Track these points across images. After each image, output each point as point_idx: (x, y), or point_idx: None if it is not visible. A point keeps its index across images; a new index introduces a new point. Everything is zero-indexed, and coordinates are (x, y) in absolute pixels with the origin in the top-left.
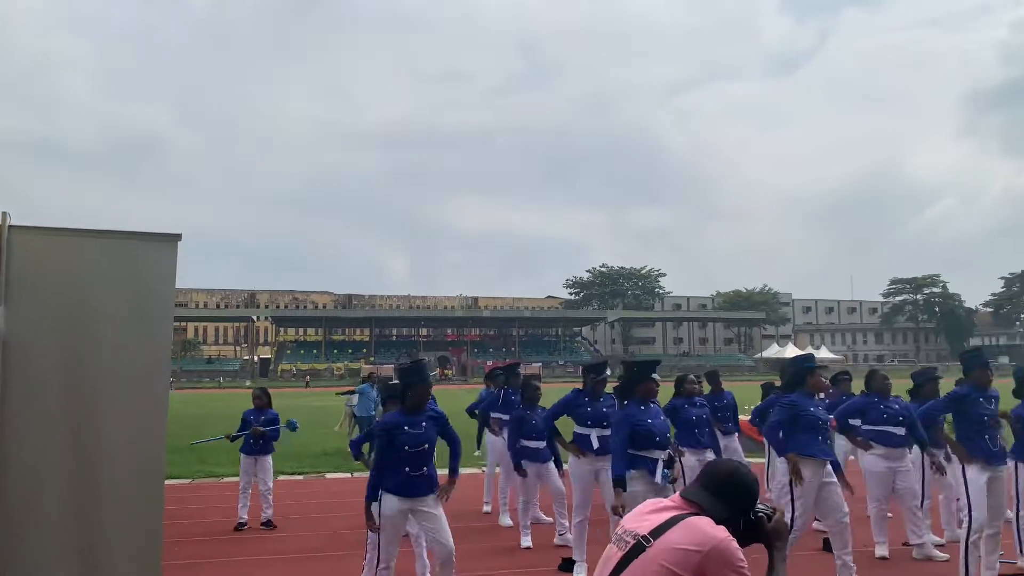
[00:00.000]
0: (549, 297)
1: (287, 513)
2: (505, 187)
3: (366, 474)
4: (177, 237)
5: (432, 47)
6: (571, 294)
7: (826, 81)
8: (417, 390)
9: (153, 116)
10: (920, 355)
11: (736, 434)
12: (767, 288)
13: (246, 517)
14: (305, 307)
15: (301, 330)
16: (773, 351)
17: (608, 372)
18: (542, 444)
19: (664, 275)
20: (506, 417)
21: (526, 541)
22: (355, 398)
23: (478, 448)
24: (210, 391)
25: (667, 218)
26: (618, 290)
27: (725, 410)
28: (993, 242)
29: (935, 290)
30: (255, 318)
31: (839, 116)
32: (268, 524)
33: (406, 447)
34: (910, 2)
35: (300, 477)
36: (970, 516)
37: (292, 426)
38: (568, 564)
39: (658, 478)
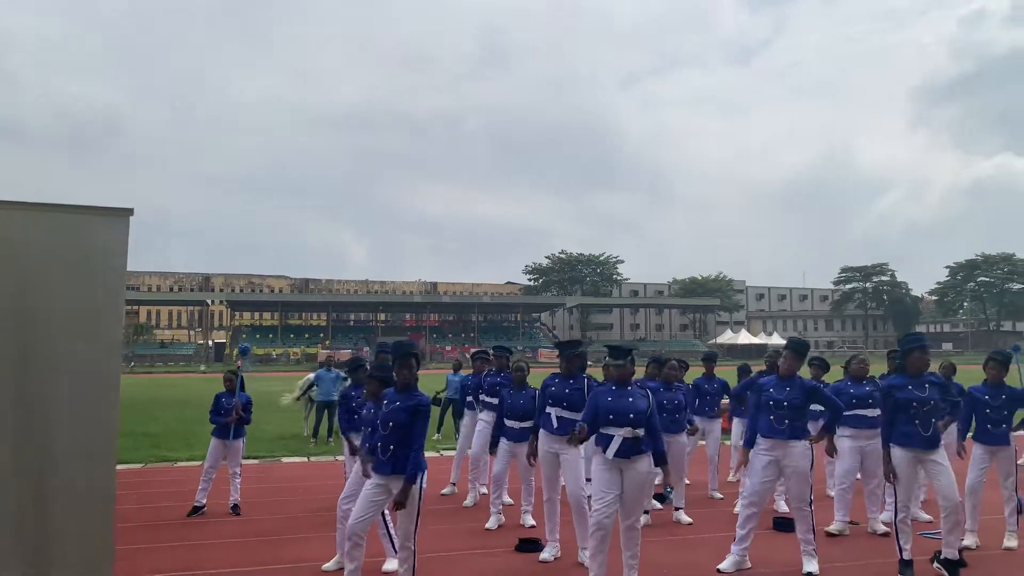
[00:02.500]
0: (508, 283)
1: (243, 498)
2: (466, 172)
3: (324, 458)
4: (129, 212)
5: (394, 30)
6: (530, 280)
7: (782, 71)
8: (403, 368)
9: (103, 94)
10: (868, 342)
11: (719, 419)
12: (722, 275)
13: (204, 501)
14: (261, 291)
15: (257, 314)
16: (727, 337)
17: (582, 349)
18: (522, 424)
19: (622, 262)
20: (491, 400)
21: (493, 522)
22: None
23: (438, 431)
24: (163, 375)
25: (626, 205)
26: (577, 276)
27: (715, 394)
28: (940, 232)
29: (884, 279)
30: (210, 302)
31: (794, 106)
32: (235, 509)
33: (377, 422)
34: None
35: (256, 461)
36: (896, 496)
37: (244, 351)
38: (526, 545)
39: (610, 454)
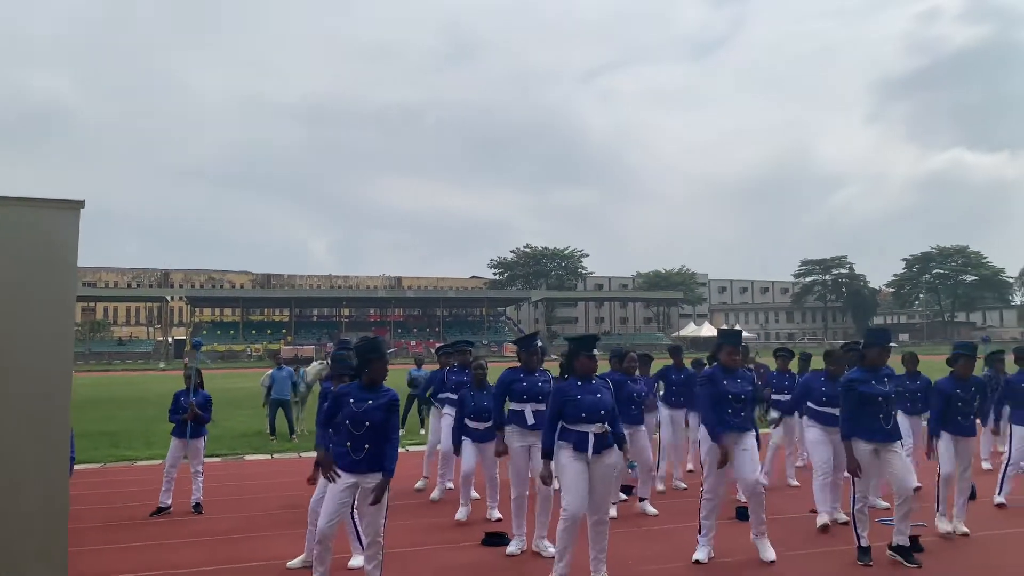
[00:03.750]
0: (473, 277)
1: (206, 496)
2: (430, 167)
3: (287, 456)
4: (80, 204)
5: (357, 23)
6: (495, 274)
7: (740, 66)
8: (374, 367)
9: (54, 84)
10: (828, 333)
11: (683, 409)
12: (685, 269)
13: (169, 502)
14: (222, 287)
15: (218, 310)
16: (690, 330)
17: (539, 343)
18: (484, 424)
19: (587, 256)
20: (453, 397)
21: (463, 513)
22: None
23: (402, 427)
24: (121, 373)
25: (590, 199)
26: (542, 270)
27: (681, 385)
28: (896, 225)
29: (842, 271)
30: (169, 298)
31: (753, 101)
32: (197, 508)
33: (347, 421)
34: None
35: (218, 459)
36: (854, 487)
37: (196, 346)
38: (492, 539)
39: (589, 452)
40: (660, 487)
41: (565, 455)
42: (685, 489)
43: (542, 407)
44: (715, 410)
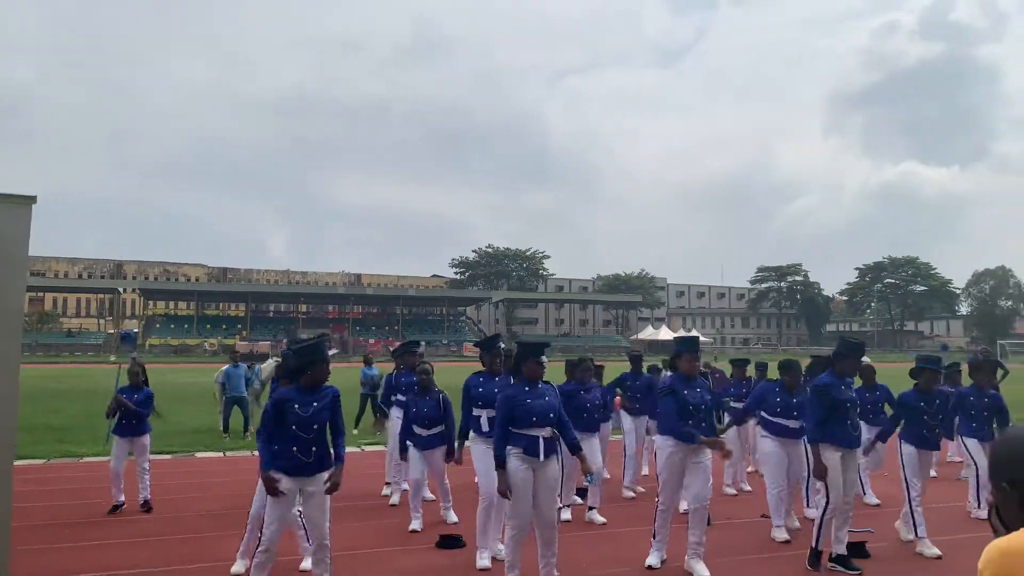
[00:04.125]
0: (434, 276)
1: (155, 494)
2: (395, 163)
3: (240, 453)
4: (31, 200)
5: (323, 15)
6: (457, 274)
7: (704, 74)
8: (316, 369)
9: (17, 72)
10: (782, 339)
11: (644, 416)
12: (644, 273)
13: (123, 499)
14: (177, 279)
15: (172, 303)
16: (648, 333)
17: (502, 346)
18: (429, 431)
19: (548, 257)
20: (400, 398)
21: (416, 524)
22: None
23: (356, 427)
24: (70, 366)
25: (553, 201)
26: (503, 271)
27: (643, 391)
28: (850, 234)
29: (797, 278)
30: (121, 290)
31: (717, 108)
32: (146, 505)
33: (294, 426)
34: (781, 3)
35: (169, 456)
36: (828, 495)
37: (127, 337)
38: (447, 541)
39: (541, 455)
40: (630, 494)
41: (513, 462)
42: (642, 493)
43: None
44: (676, 421)
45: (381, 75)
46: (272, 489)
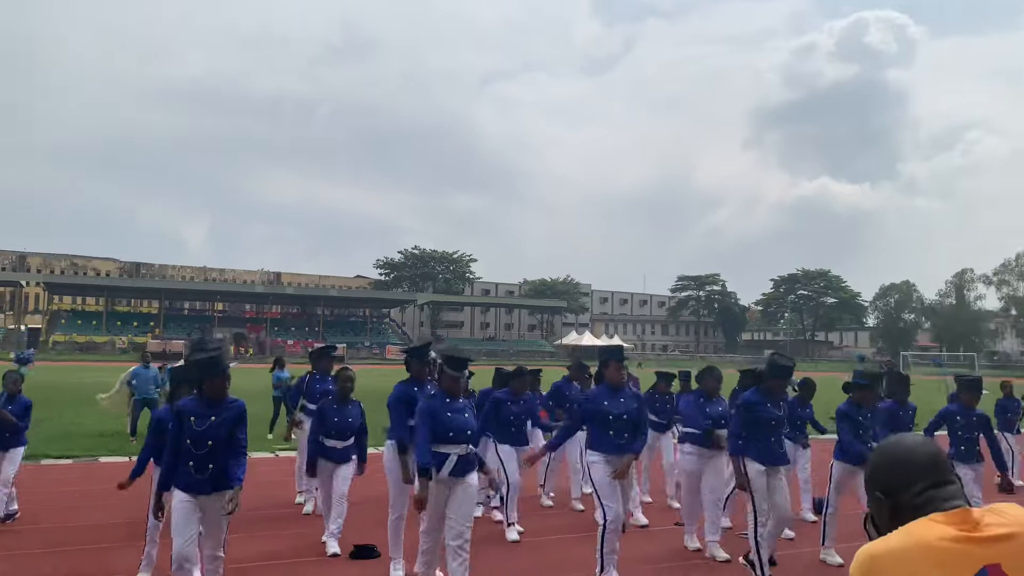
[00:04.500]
0: (358, 276)
1: (50, 501)
2: (318, 161)
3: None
4: None
5: (248, 9)
6: (381, 275)
7: (630, 85)
8: (212, 384)
9: None
10: (700, 347)
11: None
12: (570, 278)
13: (15, 507)
14: (85, 273)
15: (80, 299)
16: (572, 338)
17: (432, 354)
18: (344, 443)
19: (475, 260)
20: (311, 406)
21: (332, 547)
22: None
23: (271, 432)
24: None
25: (481, 205)
26: (429, 273)
27: (577, 400)
28: (767, 246)
29: (715, 288)
30: (24, 283)
31: (642, 118)
32: (11, 517)
33: (188, 440)
34: (707, 19)
35: (70, 461)
36: (754, 511)
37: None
38: (361, 551)
39: (444, 473)
40: (580, 506)
41: (423, 481)
42: (583, 511)
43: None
44: (597, 431)
45: (307, 72)
46: (156, 509)
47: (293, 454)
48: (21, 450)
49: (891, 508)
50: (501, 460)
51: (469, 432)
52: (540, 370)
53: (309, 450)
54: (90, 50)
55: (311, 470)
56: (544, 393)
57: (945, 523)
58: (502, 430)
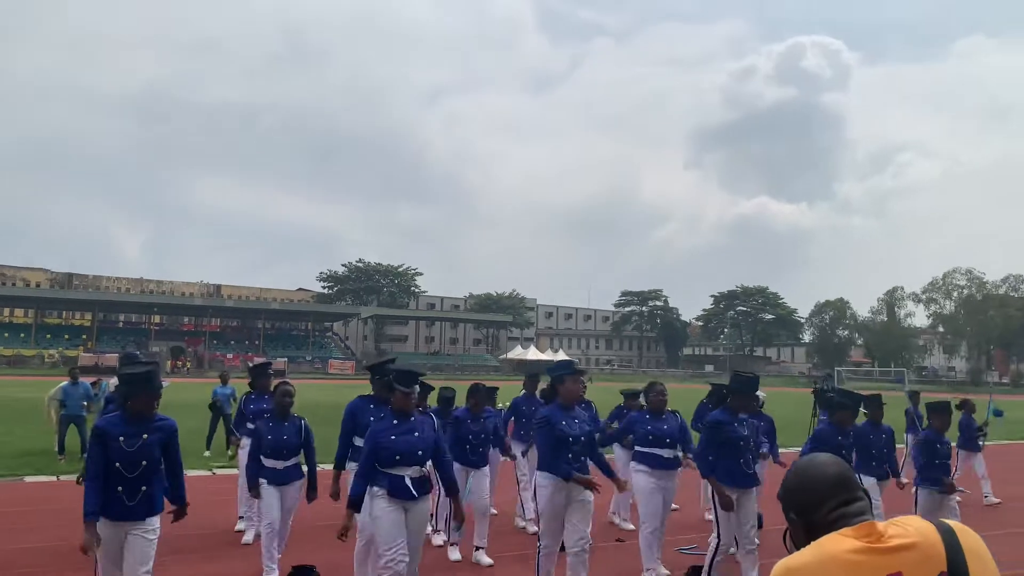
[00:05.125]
0: (300, 289)
1: None
2: (262, 171)
3: (72, 477)
4: None
5: (186, 13)
6: (324, 288)
7: (578, 103)
8: (140, 400)
9: None
10: (642, 361)
11: None
12: (515, 293)
13: None
14: (14, 284)
15: (7, 310)
16: (517, 352)
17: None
18: (284, 463)
19: (421, 274)
20: (250, 426)
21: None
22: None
23: (208, 449)
24: None
25: (428, 218)
26: (374, 286)
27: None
28: (708, 263)
29: (658, 303)
30: None
31: (588, 136)
32: None
33: (117, 463)
34: (652, 40)
35: None
36: (718, 535)
37: None
38: (299, 572)
39: (406, 496)
40: (532, 529)
41: (380, 504)
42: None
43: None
44: (554, 454)
45: (248, 81)
46: (83, 546)
47: (233, 471)
48: None
49: (805, 526)
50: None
51: (420, 452)
52: (497, 387)
53: (249, 471)
54: (27, 53)
55: (253, 490)
56: (503, 410)
57: (853, 536)
58: (459, 450)
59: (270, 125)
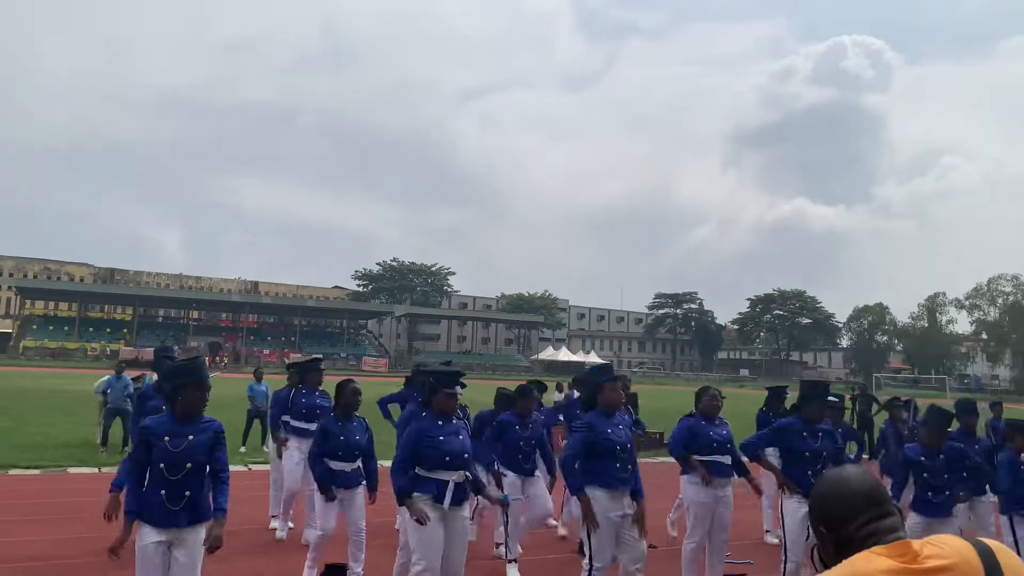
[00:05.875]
0: (336, 287)
1: (16, 514)
2: (298, 170)
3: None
4: None
5: (224, 13)
6: (359, 286)
7: (610, 102)
8: (190, 393)
9: None
10: (675, 364)
11: None
12: (547, 293)
13: None
14: (59, 278)
15: (52, 304)
16: (548, 353)
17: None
18: (352, 465)
19: (453, 273)
20: (304, 425)
21: None
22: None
23: (243, 444)
24: None
25: (461, 217)
26: (407, 285)
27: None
28: (744, 266)
29: (692, 306)
30: None
31: (622, 136)
32: None
33: (161, 464)
34: (688, 40)
35: (37, 472)
36: (785, 551)
37: None
38: (332, 571)
39: (446, 503)
40: (563, 531)
41: (418, 511)
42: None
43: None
44: (600, 464)
45: (286, 81)
46: (113, 546)
47: (267, 467)
48: None
49: (835, 542)
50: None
51: (466, 456)
52: (545, 386)
53: (317, 472)
54: (68, 55)
55: (327, 492)
56: (550, 408)
57: (886, 555)
58: (510, 458)
59: (307, 124)
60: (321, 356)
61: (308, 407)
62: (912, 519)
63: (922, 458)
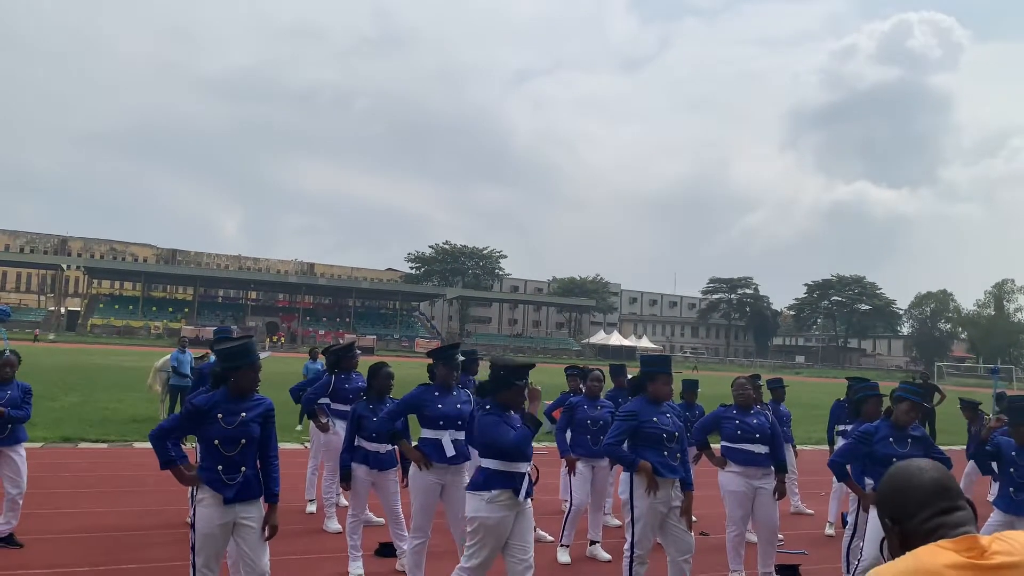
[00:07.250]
0: (389, 269)
1: (86, 485)
2: (352, 152)
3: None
4: None
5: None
6: (412, 268)
7: (665, 84)
8: (243, 374)
9: None
10: (729, 351)
11: None
12: (599, 277)
13: (7, 529)
14: (124, 259)
15: (117, 283)
16: (600, 337)
17: (460, 357)
18: (385, 447)
19: (505, 257)
20: (340, 407)
21: (356, 569)
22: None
23: (300, 423)
24: None
25: (512, 200)
26: (459, 268)
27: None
28: (801, 250)
29: (747, 291)
30: (65, 266)
31: (676, 118)
32: (10, 540)
33: (216, 440)
34: (745, 19)
35: (104, 445)
36: (862, 552)
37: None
38: (385, 549)
39: (522, 496)
40: (615, 522)
41: (499, 508)
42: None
43: (462, 435)
44: (646, 452)
45: (342, 63)
46: (187, 483)
47: (296, 447)
48: (19, 448)
49: (900, 534)
50: (570, 475)
51: (528, 449)
52: (624, 365)
53: (343, 459)
54: (132, 40)
55: (346, 482)
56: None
57: (952, 549)
58: (579, 437)
59: (361, 108)
60: (352, 342)
61: (353, 391)
62: (994, 516)
63: (1013, 452)
